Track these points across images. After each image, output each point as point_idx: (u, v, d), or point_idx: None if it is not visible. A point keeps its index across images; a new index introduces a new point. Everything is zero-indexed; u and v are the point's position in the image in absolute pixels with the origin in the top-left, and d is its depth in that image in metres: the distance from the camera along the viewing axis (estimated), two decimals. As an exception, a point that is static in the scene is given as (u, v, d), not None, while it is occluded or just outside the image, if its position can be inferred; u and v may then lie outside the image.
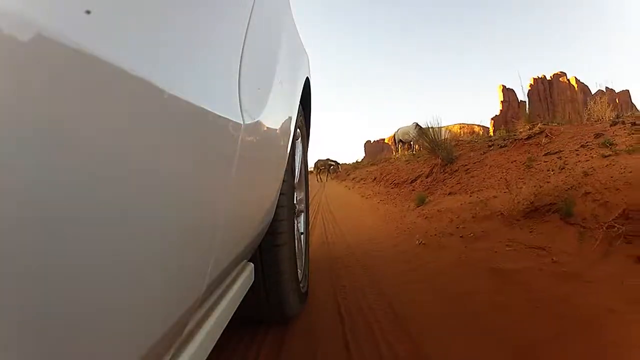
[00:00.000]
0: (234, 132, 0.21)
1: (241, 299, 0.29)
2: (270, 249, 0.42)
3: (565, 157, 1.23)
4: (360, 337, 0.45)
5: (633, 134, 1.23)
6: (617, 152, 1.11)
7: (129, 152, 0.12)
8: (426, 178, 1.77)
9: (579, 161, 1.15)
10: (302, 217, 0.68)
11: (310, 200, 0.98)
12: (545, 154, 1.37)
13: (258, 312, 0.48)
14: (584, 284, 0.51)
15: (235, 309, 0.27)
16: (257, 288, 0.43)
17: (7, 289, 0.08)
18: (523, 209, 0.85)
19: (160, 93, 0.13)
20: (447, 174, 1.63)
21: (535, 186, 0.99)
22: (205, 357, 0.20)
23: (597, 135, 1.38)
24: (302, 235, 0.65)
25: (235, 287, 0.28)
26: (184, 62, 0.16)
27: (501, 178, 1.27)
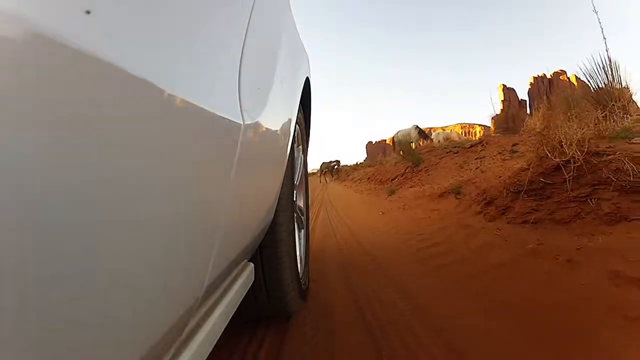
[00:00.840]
0: (234, 132, 0.21)
1: (241, 299, 0.29)
2: (270, 248, 0.42)
3: (484, 161, 1.97)
4: (337, 230, 1.36)
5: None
6: (513, 157, 1.73)
7: (128, 152, 0.12)
8: (401, 177, 2.70)
9: (489, 163, 1.85)
10: (302, 216, 0.68)
11: (315, 196, 2.02)
12: (475, 159, 2.16)
13: (259, 309, 0.48)
14: (446, 219, 1.19)
15: (235, 309, 0.27)
16: (258, 286, 0.43)
17: (7, 289, 0.08)
18: (439, 193, 1.63)
19: (160, 93, 0.13)
20: (414, 173, 2.56)
21: (454, 179, 1.81)
22: (205, 357, 0.20)
23: (514, 144, 1.98)
24: (302, 233, 0.65)
25: (235, 287, 0.28)
26: (184, 62, 0.16)
27: (442, 175, 2.15)
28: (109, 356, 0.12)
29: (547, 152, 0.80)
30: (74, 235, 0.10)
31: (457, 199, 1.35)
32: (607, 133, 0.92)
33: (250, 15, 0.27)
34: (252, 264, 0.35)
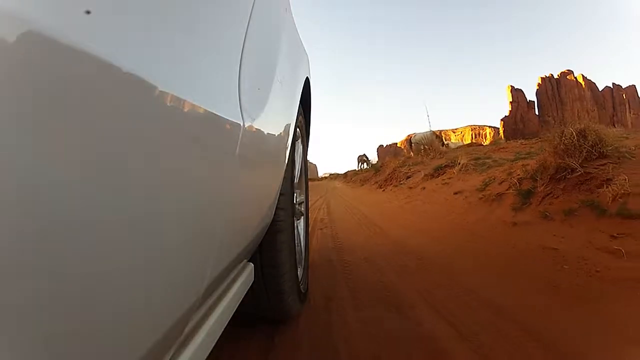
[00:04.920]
0: (234, 132, 0.21)
1: (241, 299, 0.29)
2: (270, 249, 0.42)
3: (393, 172, 3.65)
4: (335, 195, 4.34)
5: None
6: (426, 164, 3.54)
7: (128, 152, 0.12)
8: (371, 178, 4.94)
9: (407, 169, 3.46)
10: (301, 217, 0.68)
11: (329, 189, 5.77)
12: (403, 166, 3.83)
13: (258, 311, 0.48)
14: (370, 189, 4.09)
15: (235, 309, 0.27)
16: (257, 288, 0.43)
17: (8, 289, 0.08)
18: (373, 182, 4.32)
19: (160, 93, 0.13)
20: (375, 175, 4.73)
21: (381, 178, 4.02)
22: (205, 357, 0.20)
23: (403, 163, 3.94)
24: (302, 235, 0.65)
25: (235, 287, 0.28)
26: (184, 62, 0.16)
27: (381, 177, 4.12)
28: (109, 356, 0.12)
29: (396, 165, 3.94)
30: (74, 235, 0.10)
31: (377, 184, 3.69)
32: (410, 162, 3.69)
33: (250, 15, 0.27)
34: (251, 264, 0.35)
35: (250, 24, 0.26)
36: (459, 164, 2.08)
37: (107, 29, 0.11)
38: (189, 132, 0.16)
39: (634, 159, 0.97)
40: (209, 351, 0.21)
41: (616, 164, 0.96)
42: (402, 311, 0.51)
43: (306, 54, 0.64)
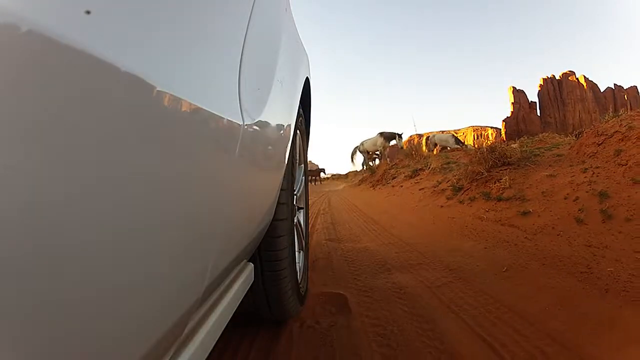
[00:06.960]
0: (234, 132, 0.21)
1: (241, 299, 0.29)
2: (270, 249, 0.42)
3: (397, 170, 3.83)
4: (334, 194, 4.93)
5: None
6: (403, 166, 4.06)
7: (128, 152, 0.12)
8: (368, 178, 5.34)
9: (393, 172, 3.87)
10: (302, 218, 0.68)
11: (330, 189, 6.73)
12: (391, 168, 4.14)
13: (257, 311, 0.48)
14: (365, 187, 4.34)
15: (235, 309, 0.27)
16: (257, 288, 0.43)
17: (7, 289, 0.08)
18: (369, 181, 4.48)
19: (159, 93, 0.13)
20: (371, 177, 5.00)
21: (374, 179, 4.32)
22: (205, 357, 0.20)
23: (393, 166, 4.27)
24: (302, 236, 0.65)
25: (235, 287, 0.28)
26: (184, 62, 0.16)
27: (375, 177, 4.26)
28: (109, 355, 0.12)
29: (386, 167, 4.25)
30: (74, 235, 0.10)
31: (370, 183, 3.91)
32: (400, 165, 3.99)
33: (250, 15, 0.27)
34: (251, 264, 0.35)
35: (250, 24, 0.26)
36: (430, 167, 2.65)
37: (107, 29, 0.11)
38: (189, 132, 0.16)
39: (533, 165, 1.43)
40: (209, 351, 0.21)
41: (514, 169, 1.44)
42: (360, 243, 1.21)
43: (306, 54, 0.64)
